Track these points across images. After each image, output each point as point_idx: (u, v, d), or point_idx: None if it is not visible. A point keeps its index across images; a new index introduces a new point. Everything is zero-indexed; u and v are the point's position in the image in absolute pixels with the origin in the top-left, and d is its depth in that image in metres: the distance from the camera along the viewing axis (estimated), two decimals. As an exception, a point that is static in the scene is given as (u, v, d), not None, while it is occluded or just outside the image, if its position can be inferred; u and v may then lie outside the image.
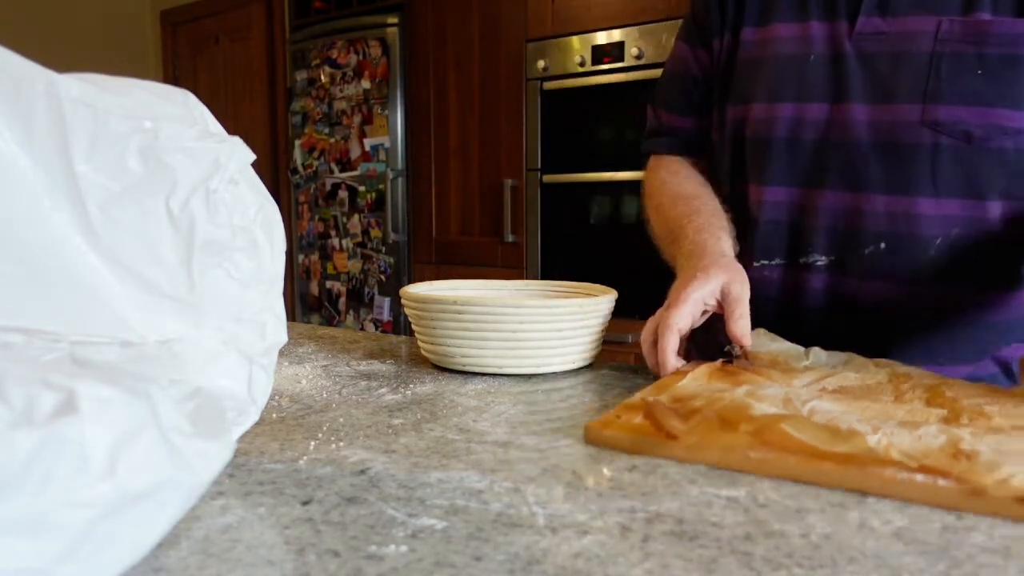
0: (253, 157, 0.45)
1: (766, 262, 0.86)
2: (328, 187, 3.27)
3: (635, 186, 2.44)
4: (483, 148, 2.84)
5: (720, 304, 0.74)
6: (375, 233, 3.13)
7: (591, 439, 0.55)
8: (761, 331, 0.77)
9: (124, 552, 0.32)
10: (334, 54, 3.17)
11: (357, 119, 3.13)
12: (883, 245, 0.79)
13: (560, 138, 2.62)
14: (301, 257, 3.45)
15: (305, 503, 0.44)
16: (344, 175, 3.21)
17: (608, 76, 2.45)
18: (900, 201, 0.77)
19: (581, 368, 0.82)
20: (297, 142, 3.38)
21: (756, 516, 0.42)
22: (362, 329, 3.16)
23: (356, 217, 3.19)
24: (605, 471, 0.50)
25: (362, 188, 3.15)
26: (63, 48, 3.61)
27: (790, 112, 0.82)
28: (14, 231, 0.36)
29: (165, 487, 0.33)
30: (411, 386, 0.73)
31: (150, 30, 4.22)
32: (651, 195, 0.98)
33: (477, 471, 0.49)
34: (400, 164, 3.06)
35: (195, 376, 0.41)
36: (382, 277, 3.13)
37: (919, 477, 0.45)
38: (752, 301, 0.77)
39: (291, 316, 3.42)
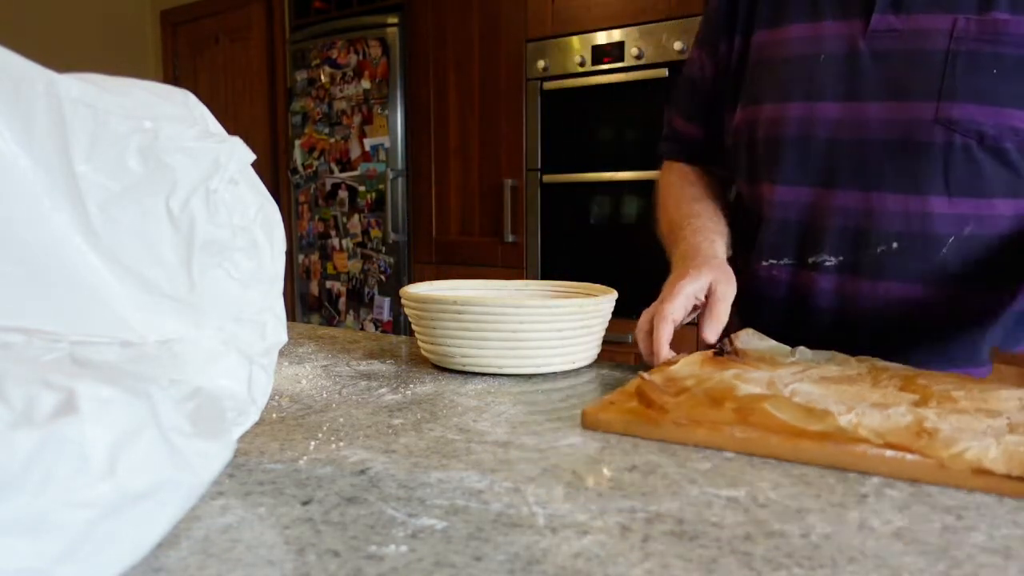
0: (253, 157, 0.45)
1: (775, 261, 0.86)
2: (328, 187, 3.27)
3: (635, 186, 2.44)
4: (483, 148, 2.84)
5: (705, 300, 0.79)
6: (375, 233, 3.13)
7: (588, 424, 0.59)
8: (750, 330, 0.79)
9: (124, 552, 0.32)
10: (334, 54, 3.17)
11: (357, 119, 3.14)
12: (895, 245, 0.79)
13: (560, 138, 2.62)
14: (301, 257, 3.45)
15: (305, 503, 0.44)
16: (344, 175, 3.21)
17: (608, 76, 2.45)
18: (913, 200, 0.77)
19: (581, 368, 0.82)
20: (297, 142, 3.38)
21: (756, 516, 0.42)
22: (362, 329, 3.16)
23: (356, 217, 3.19)
24: (605, 471, 0.50)
25: (362, 188, 3.15)
26: (63, 48, 3.61)
27: (800, 112, 0.82)
28: (14, 231, 0.36)
29: (165, 487, 0.33)
30: (411, 386, 0.73)
31: (150, 30, 4.22)
32: (660, 197, 1.02)
33: (477, 471, 0.49)
34: (400, 164, 3.06)
35: (195, 376, 0.41)
36: (382, 277, 3.13)
37: (888, 453, 0.48)
38: (759, 301, 0.80)
39: (291, 316, 3.42)
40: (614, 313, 0.83)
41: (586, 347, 0.80)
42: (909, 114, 0.77)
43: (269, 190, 0.47)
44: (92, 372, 0.34)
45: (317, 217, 3.34)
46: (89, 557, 0.30)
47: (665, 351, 0.75)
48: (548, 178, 2.64)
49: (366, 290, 3.20)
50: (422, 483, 0.47)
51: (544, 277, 2.70)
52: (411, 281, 3.04)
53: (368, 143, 3.11)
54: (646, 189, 2.40)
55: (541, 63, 2.60)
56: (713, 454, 0.53)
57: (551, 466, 0.50)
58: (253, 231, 0.45)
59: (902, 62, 0.77)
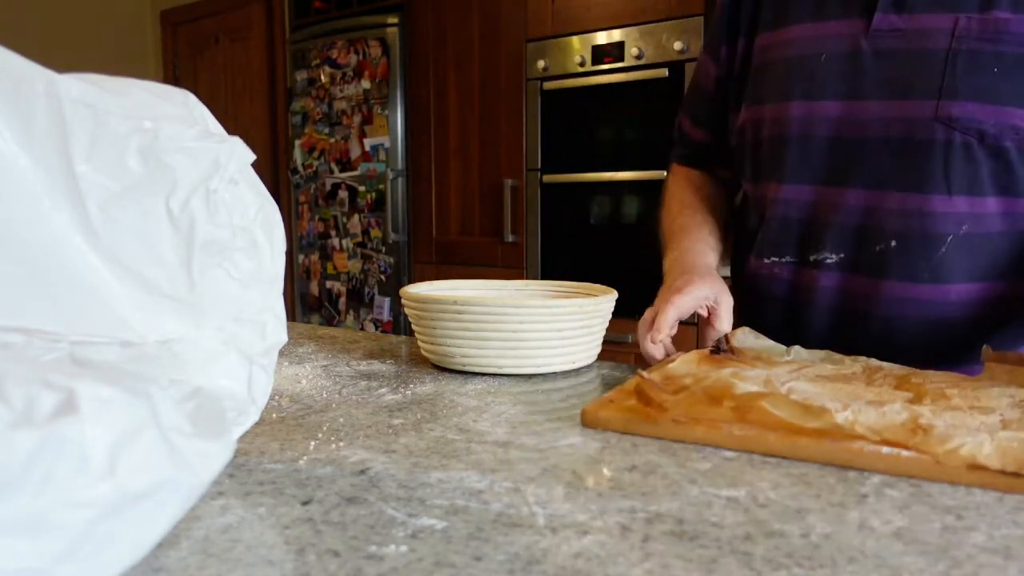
0: (253, 157, 0.45)
1: (776, 259, 0.87)
2: (328, 187, 3.27)
3: (635, 186, 2.44)
4: (483, 148, 2.84)
5: (710, 309, 0.82)
6: (375, 233, 3.13)
7: (587, 422, 0.59)
8: (746, 329, 0.80)
9: (124, 552, 0.32)
10: (334, 54, 3.17)
11: (357, 119, 3.13)
12: (894, 243, 0.79)
13: (560, 138, 2.62)
14: (301, 257, 3.45)
15: (305, 503, 0.44)
16: (344, 175, 3.21)
17: (608, 76, 2.45)
18: (914, 198, 0.78)
19: (581, 368, 0.82)
20: (297, 142, 3.38)
21: (756, 516, 0.42)
22: (362, 329, 3.16)
23: (356, 217, 3.19)
24: (605, 471, 0.50)
25: (362, 188, 3.15)
26: (63, 48, 3.61)
27: (800, 111, 0.83)
28: (14, 231, 0.36)
29: (165, 487, 0.33)
30: (411, 386, 0.73)
31: (150, 30, 4.22)
32: (664, 201, 1.04)
33: (477, 471, 0.49)
34: (400, 164, 3.06)
35: (195, 376, 0.41)
36: (382, 277, 3.13)
37: (884, 449, 0.49)
38: (761, 299, 0.87)
39: (291, 316, 3.42)
40: (614, 313, 0.83)
41: (586, 347, 0.80)
42: (910, 112, 0.77)
43: (269, 190, 0.47)
44: (92, 372, 0.34)
45: (317, 217, 3.34)
46: (89, 557, 0.30)
47: (666, 330, 0.78)
48: (548, 178, 2.64)
49: (366, 290, 3.20)
50: (422, 483, 0.47)
51: (544, 277, 2.70)
52: (411, 281, 3.04)
53: (368, 143, 3.11)
54: (646, 189, 2.40)
55: (541, 63, 2.60)
56: (713, 454, 0.53)
57: (551, 466, 0.50)
58: (253, 231, 0.45)
59: (904, 61, 0.77)
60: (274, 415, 0.63)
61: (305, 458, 0.52)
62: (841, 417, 0.54)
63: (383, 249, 3.11)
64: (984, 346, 0.70)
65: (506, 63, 2.73)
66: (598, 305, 0.79)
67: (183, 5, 4.02)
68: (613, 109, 2.47)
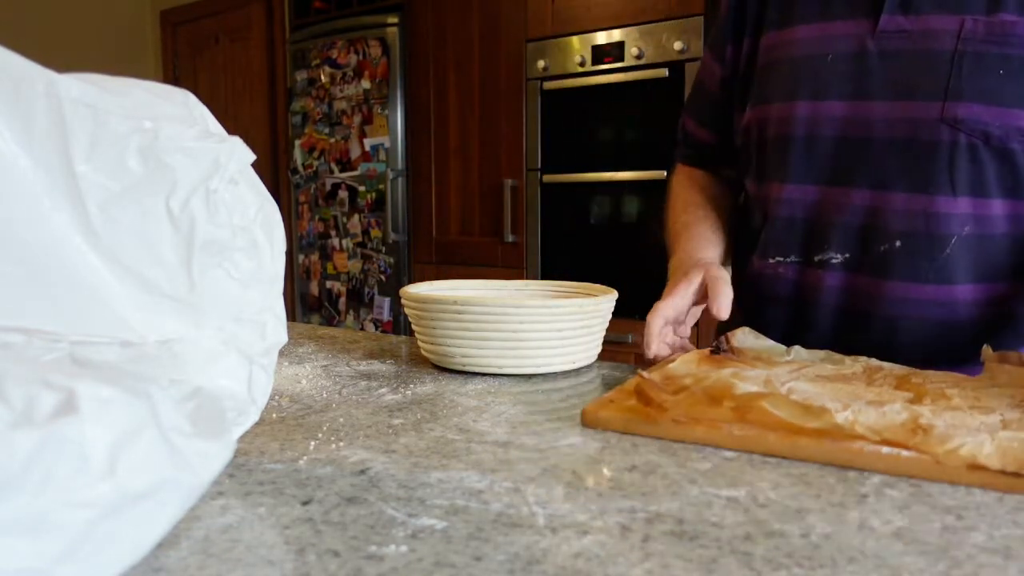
0: (253, 157, 0.45)
1: (781, 259, 0.87)
2: (328, 187, 3.27)
3: (635, 186, 2.44)
4: (483, 148, 2.84)
5: (705, 295, 0.81)
6: (375, 233, 3.13)
7: (587, 422, 0.59)
8: (746, 329, 0.80)
9: (124, 552, 0.32)
10: (334, 54, 3.17)
11: (357, 119, 3.13)
12: (898, 243, 0.79)
13: (560, 138, 2.62)
14: (301, 257, 3.45)
15: (305, 503, 0.44)
16: (344, 175, 3.21)
17: (608, 76, 2.45)
18: (919, 199, 0.78)
19: (581, 368, 0.82)
20: (297, 142, 3.38)
21: (756, 516, 0.42)
22: (362, 329, 3.16)
23: (356, 217, 3.19)
24: (605, 471, 0.50)
25: (362, 188, 3.15)
26: (63, 48, 3.61)
27: (806, 110, 0.83)
28: (14, 231, 0.36)
29: (165, 487, 0.33)
30: (411, 386, 0.73)
31: (150, 30, 4.22)
32: (668, 201, 1.04)
33: (477, 471, 0.49)
34: (400, 164, 3.06)
35: (195, 376, 0.41)
36: (382, 277, 3.13)
37: (884, 449, 0.49)
38: (766, 298, 0.86)
39: (291, 316, 3.42)
40: (614, 313, 0.83)
41: (586, 347, 0.80)
42: (915, 113, 0.77)
43: (269, 190, 0.47)
44: (92, 372, 0.34)
45: (317, 217, 3.34)
46: (89, 557, 0.30)
47: (655, 342, 0.77)
48: (548, 178, 2.64)
49: (366, 290, 3.20)
50: (422, 483, 0.47)
51: (544, 277, 2.70)
52: (411, 281, 3.04)
53: (368, 143, 3.11)
54: (646, 189, 2.41)
55: (541, 63, 2.60)
56: (713, 454, 0.53)
57: (551, 466, 0.50)
58: (253, 231, 0.45)
59: (909, 62, 0.78)
60: (274, 415, 0.63)
61: (305, 458, 0.52)
62: (841, 417, 0.54)
63: (383, 249, 3.11)
64: (984, 346, 0.70)
65: (506, 63, 2.73)
66: (598, 305, 0.79)
67: (183, 5, 4.02)
68: (613, 109, 2.47)
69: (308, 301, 3.45)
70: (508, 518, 0.42)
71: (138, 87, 0.42)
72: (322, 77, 3.22)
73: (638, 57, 2.38)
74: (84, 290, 0.38)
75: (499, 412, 0.64)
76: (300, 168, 3.38)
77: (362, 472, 0.49)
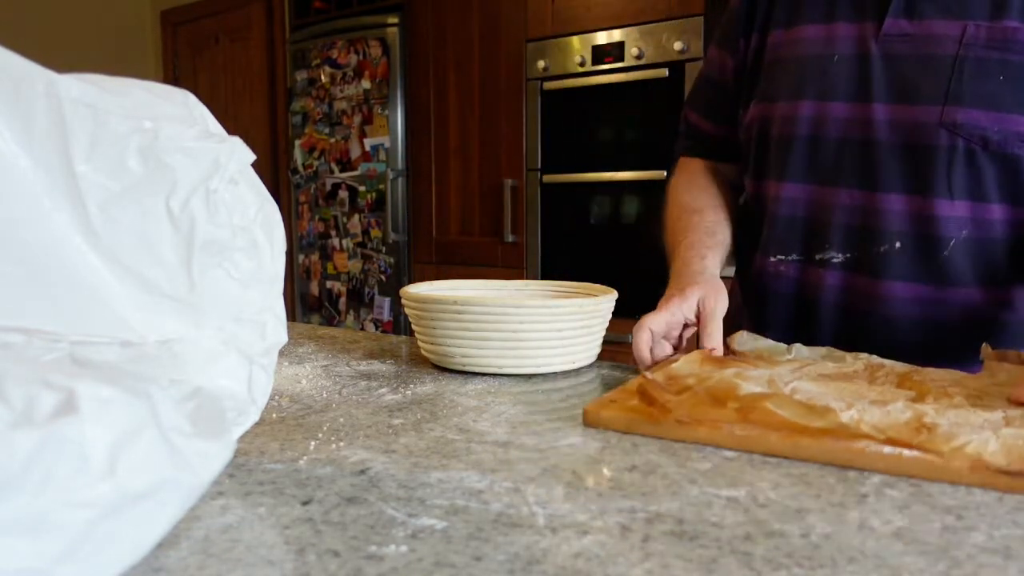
0: (253, 157, 0.45)
1: (782, 257, 0.87)
2: (328, 187, 3.27)
3: (635, 186, 2.44)
4: (483, 148, 2.84)
5: (699, 317, 0.80)
6: (375, 233, 3.13)
7: (589, 421, 0.59)
8: (745, 333, 0.80)
9: (124, 552, 0.32)
10: (334, 54, 3.17)
11: (357, 119, 3.13)
12: (898, 244, 0.80)
13: (560, 138, 2.62)
14: (301, 257, 3.45)
15: (305, 503, 0.44)
16: (344, 175, 3.21)
17: (608, 76, 2.45)
18: (916, 201, 0.78)
19: (581, 368, 0.82)
20: (297, 142, 3.38)
21: (756, 516, 0.42)
22: (362, 329, 3.16)
23: (356, 217, 3.19)
24: (605, 471, 0.50)
25: (362, 188, 3.15)
26: (63, 48, 3.61)
27: (812, 110, 0.83)
28: (14, 231, 0.36)
29: (165, 487, 0.33)
30: (411, 386, 0.73)
31: (150, 30, 4.22)
32: (667, 201, 1.03)
33: (477, 471, 0.49)
34: (400, 164, 3.06)
35: (195, 376, 0.41)
36: (382, 277, 3.13)
37: (887, 449, 0.49)
38: (768, 296, 0.86)
39: (291, 316, 3.42)
40: (614, 313, 0.83)
41: (586, 347, 0.80)
42: (915, 117, 0.78)
43: (269, 190, 0.47)
44: (92, 372, 0.34)
45: (317, 217, 3.34)
46: (89, 557, 0.30)
47: (644, 354, 0.77)
48: (548, 178, 2.64)
49: (366, 290, 3.19)
50: (422, 483, 0.47)
51: (544, 277, 2.70)
52: (411, 281, 3.04)
53: (368, 143, 3.11)
54: (646, 189, 2.40)
55: (541, 63, 2.60)
56: (713, 454, 0.53)
57: (551, 466, 0.50)
58: (253, 231, 0.45)
59: (911, 65, 0.78)
60: (274, 415, 0.63)
61: (305, 458, 0.52)
62: (846, 416, 0.54)
63: (383, 249, 3.11)
64: (984, 344, 0.70)
65: (506, 63, 2.73)
66: (598, 305, 0.79)
67: (183, 5, 4.02)
68: (613, 109, 2.47)
69: (308, 301, 3.45)
70: (508, 518, 0.42)
71: (138, 87, 0.42)
72: (322, 77, 3.22)
73: (638, 57, 2.38)
74: (84, 290, 0.38)
75: (499, 412, 0.64)
76: (300, 168, 3.38)
77: (362, 472, 0.49)
